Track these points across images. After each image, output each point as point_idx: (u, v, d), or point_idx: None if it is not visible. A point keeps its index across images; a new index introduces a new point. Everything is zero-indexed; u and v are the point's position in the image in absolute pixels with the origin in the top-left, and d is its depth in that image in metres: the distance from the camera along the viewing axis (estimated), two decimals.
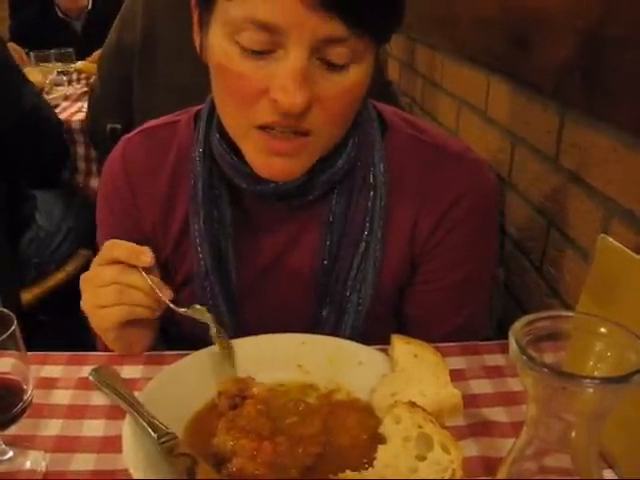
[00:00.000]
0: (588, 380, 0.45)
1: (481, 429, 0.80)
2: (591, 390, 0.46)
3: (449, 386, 0.80)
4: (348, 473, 0.66)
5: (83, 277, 0.92)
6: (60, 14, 3.51)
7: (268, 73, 0.79)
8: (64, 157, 2.24)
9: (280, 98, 0.78)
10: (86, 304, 0.92)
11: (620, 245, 0.78)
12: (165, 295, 0.89)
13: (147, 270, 0.89)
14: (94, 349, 1.08)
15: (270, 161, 0.87)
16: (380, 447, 0.70)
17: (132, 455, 0.70)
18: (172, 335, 1.03)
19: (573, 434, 0.50)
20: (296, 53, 0.77)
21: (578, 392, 0.46)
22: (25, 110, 1.91)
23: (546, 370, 0.45)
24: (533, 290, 1.28)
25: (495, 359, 0.95)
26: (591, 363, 0.50)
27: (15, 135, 1.87)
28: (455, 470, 0.65)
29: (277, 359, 0.89)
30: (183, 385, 0.83)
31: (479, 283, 1.07)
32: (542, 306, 1.23)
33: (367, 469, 0.68)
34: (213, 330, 0.88)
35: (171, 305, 0.89)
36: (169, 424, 0.75)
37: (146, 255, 0.89)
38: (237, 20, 0.78)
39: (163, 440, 0.72)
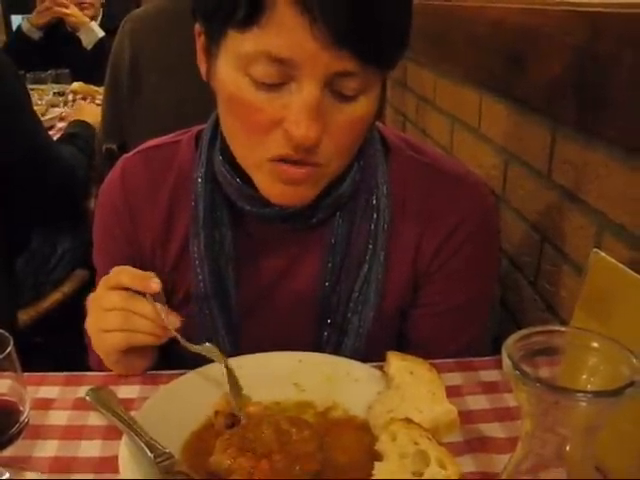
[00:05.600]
0: (581, 394, 0.45)
1: (478, 445, 0.80)
2: (584, 404, 0.46)
3: (445, 402, 0.80)
4: None
5: (90, 297, 0.92)
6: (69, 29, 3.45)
7: (281, 105, 0.79)
8: (72, 200, 2.20)
9: (294, 131, 0.79)
10: (90, 325, 0.92)
11: (612, 259, 0.78)
12: (172, 323, 0.88)
13: (154, 297, 0.89)
14: (90, 369, 1.08)
15: (283, 190, 0.87)
16: (377, 464, 0.70)
17: (129, 475, 0.70)
18: (168, 350, 1.03)
19: (568, 448, 0.51)
20: (310, 87, 0.77)
21: (571, 406, 0.47)
22: (35, 147, 1.90)
23: (539, 385, 0.46)
24: (528, 305, 1.28)
25: (491, 375, 0.95)
26: (584, 377, 0.51)
27: (20, 170, 1.86)
28: None
29: (273, 377, 0.89)
30: (179, 404, 0.83)
31: (480, 305, 1.07)
32: (538, 321, 1.23)
33: None
34: (224, 370, 0.87)
35: (181, 340, 0.88)
36: (166, 444, 0.75)
37: (153, 282, 0.89)
38: (250, 54, 0.77)
39: (160, 460, 0.72)
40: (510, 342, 0.50)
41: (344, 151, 0.88)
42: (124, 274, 0.89)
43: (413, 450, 0.70)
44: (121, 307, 0.87)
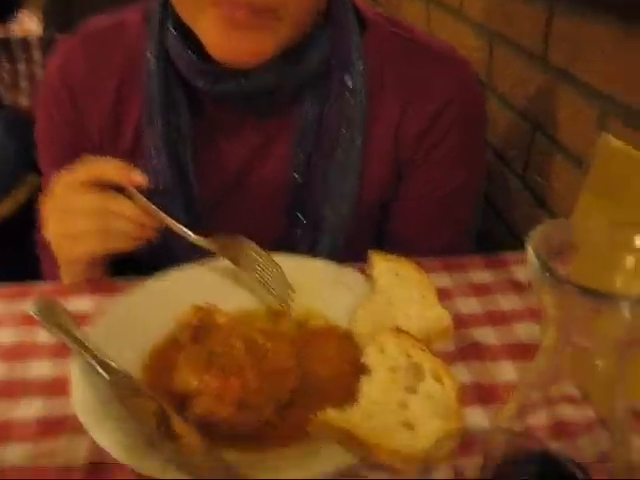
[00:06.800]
0: (629, 301, 0.36)
1: (471, 352, 0.73)
2: (628, 313, 0.37)
3: (437, 307, 0.73)
4: (329, 411, 0.57)
5: (47, 201, 0.81)
6: None
7: None
8: None
9: None
10: (52, 231, 0.82)
11: (623, 143, 0.70)
12: (156, 221, 0.79)
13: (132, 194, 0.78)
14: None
15: (231, 37, 0.74)
16: (364, 379, 0.62)
17: (81, 399, 0.61)
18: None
19: (598, 362, 0.43)
20: None
21: (613, 314, 0.38)
22: None
23: (578, 290, 0.36)
24: (516, 200, 1.19)
25: (482, 276, 0.87)
26: (623, 280, 0.42)
27: None
28: (450, 403, 0.58)
29: (242, 284, 0.80)
30: (138, 317, 0.74)
31: (468, 195, 0.99)
32: (526, 217, 1.15)
33: (350, 405, 0.59)
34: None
35: (176, 228, 0.80)
36: (124, 362, 0.66)
37: (137, 174, 0.78)
38: None
39: (116, 381, 0.63)
40: (535, 238, 0.40)
41: None
42: (103, 167, 0.79)
43: (405, 363, 0.62)
44: (98, 208, 0.77)
